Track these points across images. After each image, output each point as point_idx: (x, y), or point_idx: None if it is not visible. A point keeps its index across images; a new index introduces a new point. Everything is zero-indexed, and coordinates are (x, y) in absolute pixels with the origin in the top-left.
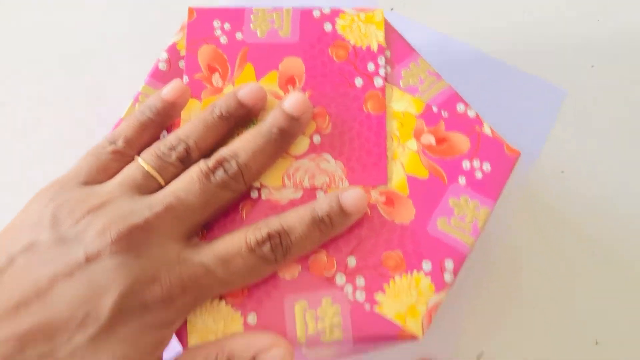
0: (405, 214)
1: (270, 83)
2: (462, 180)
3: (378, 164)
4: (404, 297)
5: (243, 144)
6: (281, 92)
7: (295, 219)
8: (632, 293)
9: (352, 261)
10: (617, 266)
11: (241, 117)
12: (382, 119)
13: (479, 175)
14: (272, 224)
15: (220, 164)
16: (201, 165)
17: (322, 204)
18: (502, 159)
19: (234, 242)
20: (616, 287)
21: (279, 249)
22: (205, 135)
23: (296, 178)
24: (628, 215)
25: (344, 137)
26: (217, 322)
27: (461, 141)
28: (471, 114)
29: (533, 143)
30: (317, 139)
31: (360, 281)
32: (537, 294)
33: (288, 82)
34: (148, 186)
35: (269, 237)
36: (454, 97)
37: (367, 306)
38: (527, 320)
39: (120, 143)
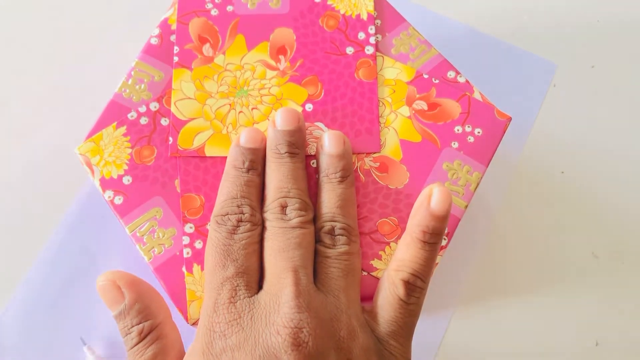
0: (399, 178)
1: (261, 53)
2: (454, 144)
3: (371, 131)
4: None
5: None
6: (272, 62)
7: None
8: (633, 294)
9: None
10: (618, 267)
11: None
12: (373, 86)
13: (471, 139)
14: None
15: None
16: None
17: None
18: (493, 123)
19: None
20: (617, 287)
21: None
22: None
23: None
24: (630, 214)
25: (336, 104)
26: None
27: (452, 107)
28: (461, 80)
29: (526, 115)
30: (309, 106)
31: None
32: (537, 296)
33: (279, 52)
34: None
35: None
36: (444, 64)
37: (364, 273)
38: (527, 322)
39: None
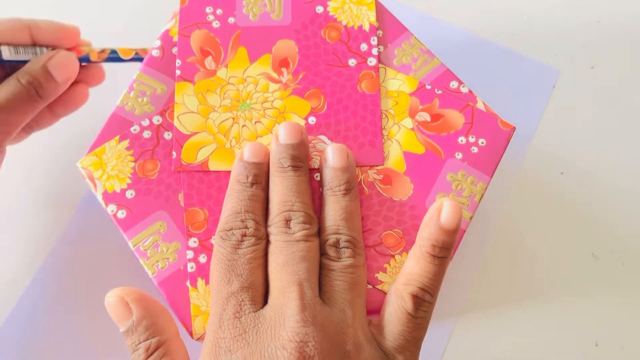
0: (403, 190)
1: (263, 66)
2: (458, 155)
3: (374, 144)
4: None
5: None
6: (275, 75)
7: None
8: (632, 294)
9: None
10: (617, 267)
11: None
12: (376, 98)
13: (474, 150)
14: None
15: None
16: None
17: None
18: (497, 133)
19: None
20: (616, 288)
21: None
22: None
23: None
24: (630, 215)
25: (339, 117)
26: None
27: (456, 117)
28: (464, 90)
29: (528, 122)
30: (312, 120)
31: None
32: (537, 297)
33: (282, 65)
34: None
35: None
36: (447, 74)
37: (369, 286)
38: (527, 323)
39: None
